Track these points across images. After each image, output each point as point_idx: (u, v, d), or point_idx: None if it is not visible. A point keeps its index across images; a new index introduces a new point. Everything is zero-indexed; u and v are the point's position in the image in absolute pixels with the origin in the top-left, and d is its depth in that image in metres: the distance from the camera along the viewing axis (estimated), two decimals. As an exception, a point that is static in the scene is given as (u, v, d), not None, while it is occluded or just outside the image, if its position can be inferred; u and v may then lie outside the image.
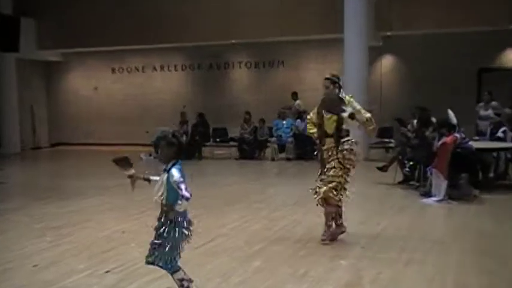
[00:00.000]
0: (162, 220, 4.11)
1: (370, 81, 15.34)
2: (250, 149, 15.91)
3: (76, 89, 21.51)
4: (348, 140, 6.09)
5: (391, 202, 8.85)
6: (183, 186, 3.96)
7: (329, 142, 6.08)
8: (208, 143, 16.74)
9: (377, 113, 16.36)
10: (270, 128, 16.12)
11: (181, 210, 4.02)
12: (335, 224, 6.33)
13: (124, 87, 20.80)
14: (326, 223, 6.26)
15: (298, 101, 16.55)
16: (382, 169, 10.94)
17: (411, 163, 10.23)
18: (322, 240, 6.19)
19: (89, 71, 21.24)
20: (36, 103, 20.94)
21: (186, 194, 3.95)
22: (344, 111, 6.01)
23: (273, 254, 5.82)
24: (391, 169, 10.79)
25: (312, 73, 17.68)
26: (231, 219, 7.60)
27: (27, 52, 18.47)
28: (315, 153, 6.41)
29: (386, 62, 17.63)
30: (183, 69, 20.08)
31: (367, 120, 6.07)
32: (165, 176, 4.06)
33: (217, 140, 17.01)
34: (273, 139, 15.88)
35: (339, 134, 6.04)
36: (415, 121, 10.76)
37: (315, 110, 6.28)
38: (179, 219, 4.09)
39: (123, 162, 4.33)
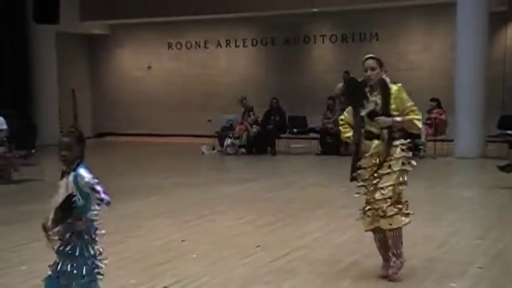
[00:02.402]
0: (68, 236, 4.01)
1: (491, 56, 14.85)
2: (335, 142, 15.79)
3: (125, 69, 22.12)
4: (401, 144, 5.62)
5: (517, 211, 8.62)
6: (100, 188, 3.91)
7: (376, 145, 5.67)
8: (283, 135, 16.79)
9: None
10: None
11: (96, 218, 4.02)
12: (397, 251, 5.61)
13: (182, 66, 21.19)
14: (389, 252, 5.57)
15: (340, 84, 16.07)
16: (506, 169, 10.65)
17: (545, 162, 9.95)
18: (390, 277, 5.46)
19: (140, 47, 21.77)
20: (78, 86, 21.63)
21: (107, 198, 3.91)
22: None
23: (364, 272, 5.76)
24: (518, 169, 10.49)
25: (415, 48, 17.31)
26: (312, 228, 7.58)
27: (69, 24, 18.91)
28: (354, 159, 5.80)
29: (513, 31, 17.12)
30: (254, 45, 20.23)
31: (410, 121, 5.57)
32: (70, 178, 3.97)
33: (295, 131, 16.99)
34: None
35: (391, 133, 5.58)
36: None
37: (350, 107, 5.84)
38: (91, 230, 4.05)
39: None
